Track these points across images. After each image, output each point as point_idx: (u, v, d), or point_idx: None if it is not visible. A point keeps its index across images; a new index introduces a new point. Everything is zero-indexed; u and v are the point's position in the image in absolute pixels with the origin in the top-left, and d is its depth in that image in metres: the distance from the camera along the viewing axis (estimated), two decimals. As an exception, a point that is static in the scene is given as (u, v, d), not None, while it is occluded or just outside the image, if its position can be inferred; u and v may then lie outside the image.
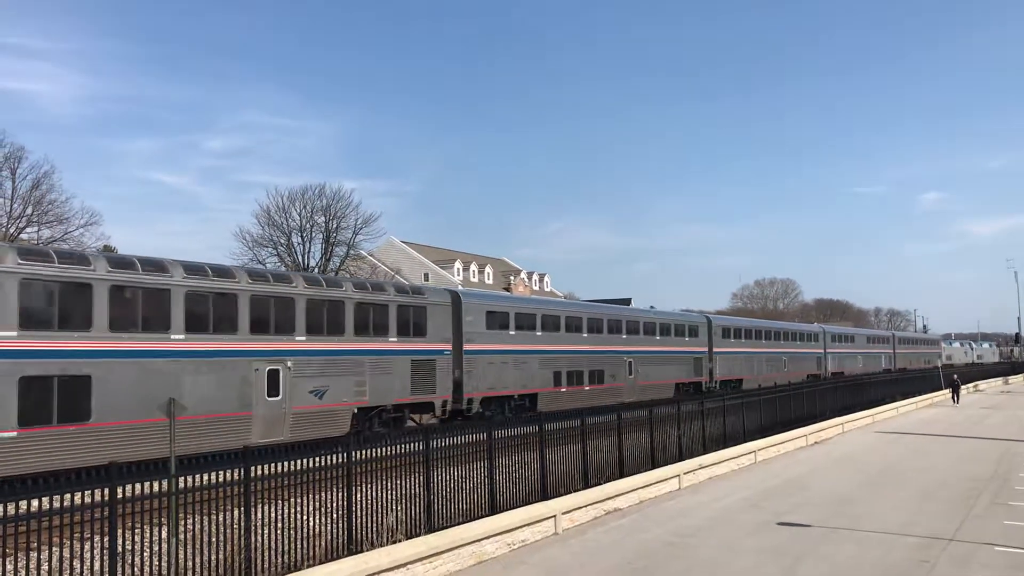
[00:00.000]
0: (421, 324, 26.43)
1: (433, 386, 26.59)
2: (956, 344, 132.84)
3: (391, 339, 25.17)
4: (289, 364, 21.50)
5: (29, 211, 47.78)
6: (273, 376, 21.10)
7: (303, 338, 22.12)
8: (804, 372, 58.40)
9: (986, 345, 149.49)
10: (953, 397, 47.90)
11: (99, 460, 15.13)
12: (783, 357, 56.47)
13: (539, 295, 77.86)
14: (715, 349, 47.76)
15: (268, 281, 21.91)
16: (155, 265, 19.26)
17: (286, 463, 10.94)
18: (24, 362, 16.42)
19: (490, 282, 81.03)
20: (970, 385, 63.43)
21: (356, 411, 23.61)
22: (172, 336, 18.98)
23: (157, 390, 17.51)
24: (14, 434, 15.98)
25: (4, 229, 45.81)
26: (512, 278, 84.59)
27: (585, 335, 36.12)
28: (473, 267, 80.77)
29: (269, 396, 20.94)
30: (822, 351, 63.84)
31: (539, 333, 33.10)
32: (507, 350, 31.00)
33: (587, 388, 35.18)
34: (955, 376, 49.86)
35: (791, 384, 35.37)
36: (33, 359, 16.54)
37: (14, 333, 16.36)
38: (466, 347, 28.72)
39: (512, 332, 31.39)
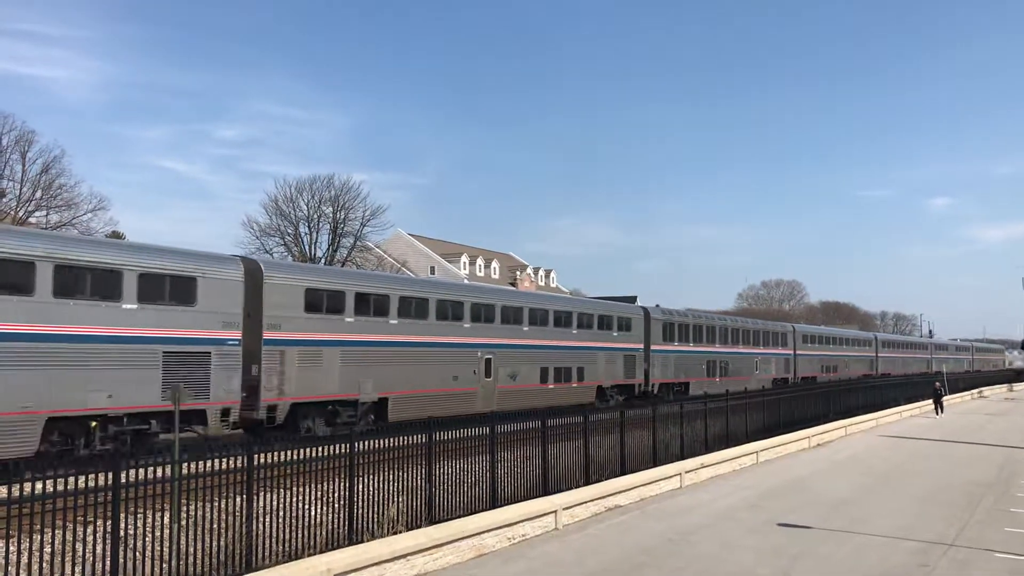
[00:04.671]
0: (779, 340, 52.25)
1: (787, 371, 53.87)
2: (1015, 352, 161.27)
3: (759, 348, 50.40)
4: (759, 359, 49.18)
5: (38, 195, 47.92)
6: (756, 362, 48.69)
7: (762, 349, 49.77)
8: (914, 370, 78.88)
9: None
10: (936, 409, 42.50)
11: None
12: (898, 360, 79.97)
13: (545, 291, 77.79)
14: (881, 355, 72.58)
15: (745, 321, 50.11)
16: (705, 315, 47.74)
17: (289, 452, 10.98)
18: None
19: (496, 277, 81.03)
20: (974, 391, 63.25)
21: (771, 381, 49.82)
22: (725, 343, 46.10)
23: (736, 365, 46.63)
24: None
25: (13, 212, 45.92)
26: (518, 273, 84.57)
27: (815, 345, 61.26)
28: (479, 261, 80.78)
29: (756, 370, 48.74)
30: (929, 356, 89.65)
31: (813, 345, 59.47)
32: (810, 354, 58.03)
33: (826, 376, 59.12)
34: (937, 385, 44.35)
35: (796, 386, 36.43)
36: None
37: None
38: (798, 351, 55.89)
39: (809, 344, 57.76)
